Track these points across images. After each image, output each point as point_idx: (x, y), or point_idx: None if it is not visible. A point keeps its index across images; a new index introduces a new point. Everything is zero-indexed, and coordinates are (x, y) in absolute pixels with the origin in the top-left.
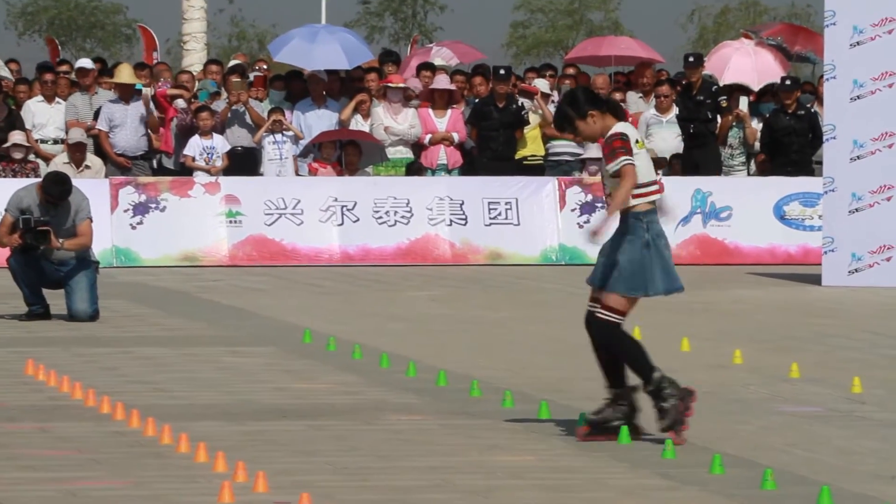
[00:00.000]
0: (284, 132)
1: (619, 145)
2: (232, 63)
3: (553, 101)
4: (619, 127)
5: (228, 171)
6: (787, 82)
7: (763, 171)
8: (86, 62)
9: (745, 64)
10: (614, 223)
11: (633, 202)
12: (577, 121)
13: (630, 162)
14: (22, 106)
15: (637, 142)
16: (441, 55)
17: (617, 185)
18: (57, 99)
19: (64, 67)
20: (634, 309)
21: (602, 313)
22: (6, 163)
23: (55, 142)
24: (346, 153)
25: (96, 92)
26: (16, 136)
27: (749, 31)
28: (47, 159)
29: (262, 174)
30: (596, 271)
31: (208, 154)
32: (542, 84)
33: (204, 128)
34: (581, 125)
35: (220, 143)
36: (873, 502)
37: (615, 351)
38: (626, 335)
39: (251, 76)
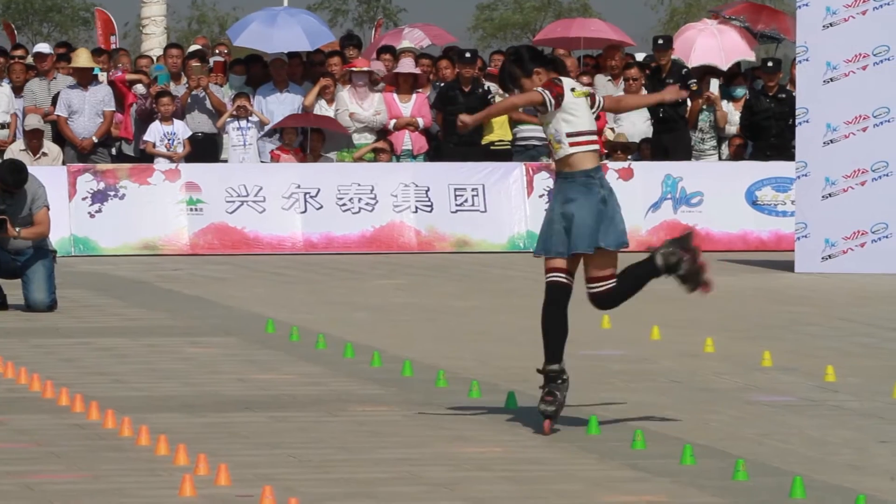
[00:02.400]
0: (249, 118)
1: (547, 85)
2: (192, 48)
3: None
4: (564, 79)
5: (189, 157)
6: (770, 64)
7: (738, 155)
8: (43, 47)
9: (710, 44)
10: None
11: (570, 150)
12: (522, 79)
13: (542, 93)
14: None
15: (573, 90)
16: (412, 37)
17: (558, 134)
18: (1, 83)
19: (19, 52)
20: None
21: (559, 277)
22: None
23: (1, 126)
24: (311, 139)
25: (55, 77)
26: None
27: (713, 10)
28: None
29: (223, 160)
30: (577, 239)
31: (169, 140)
32: None
33: (165, 113)
34: (526, 83)
35: (181, 129)
36: (847, 493)
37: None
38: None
39: (212, 61)
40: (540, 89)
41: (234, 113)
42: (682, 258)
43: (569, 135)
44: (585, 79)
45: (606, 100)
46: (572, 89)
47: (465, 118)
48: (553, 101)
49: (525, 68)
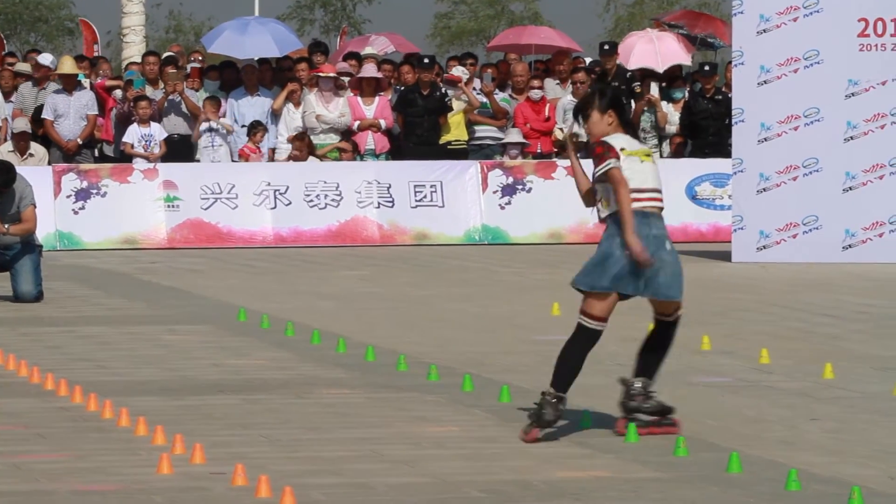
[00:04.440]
0: (214, 124)
1: (599, 151)
2: (166, 54)
3: (475, 89)
4: (610, 137)
5: (166, 157)
6: (706, 68)
7: (678, 153)
8: (46, 58)
9: (647, 49)
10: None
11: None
12: (594, 111)
13: (615, 166)
14: None
15: (622, 149)
16: (377, 44)
17: (607, 191)
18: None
19: (9, 59)
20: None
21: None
22: None
23: None
24: (294, 147)
25: (44, 87)
26: None
27: (654, 18)
28: None
29: (197, 160)
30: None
31: (146, 141)
32: (458, 71)
33: (142, 116)
34: (594, 115)
35: (158, 131)
36: (780, 467)
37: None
38: (588, 343)
39: (188, 67)
40: (610, 163)
41: (207, 119)
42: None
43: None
44: (536, 82)
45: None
46: (622, 148)
47: (638, 252)
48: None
49: (601, 104)
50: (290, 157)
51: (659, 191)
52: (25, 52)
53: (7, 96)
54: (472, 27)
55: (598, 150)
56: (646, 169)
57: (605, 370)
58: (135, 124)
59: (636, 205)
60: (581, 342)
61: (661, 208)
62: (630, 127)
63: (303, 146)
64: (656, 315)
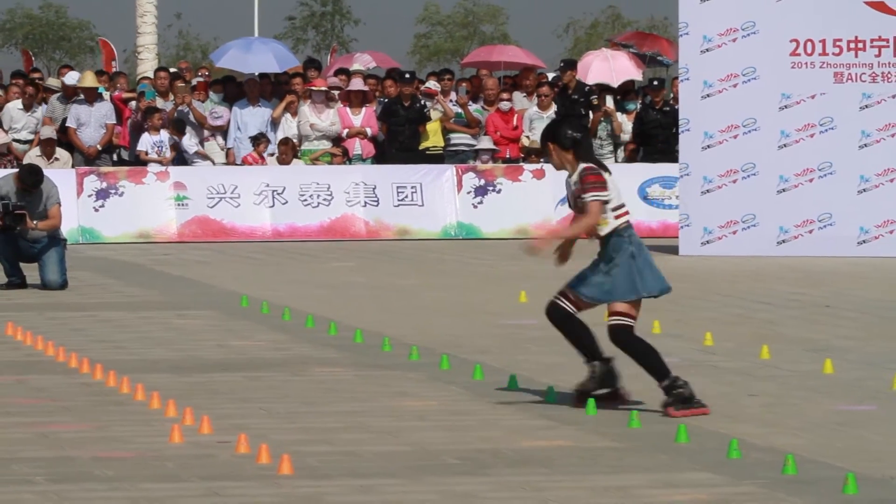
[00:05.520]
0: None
1: (592, 180)
2: (173, 70)
3: (451, 100)
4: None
5: (175, 161)
6: (655, 83)
7: (632, 158)
8: (73, 77)
9: (602, 67)
10: (554, 244)
11: (613, 224)
12: (550, 144)
13: (597, 198)
14: (2, 108)
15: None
16: (362, 60)
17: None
18: (33, 108)
19: (37, 75)
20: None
21: (614, 319)
22: None
23: (26, 143)
24: (280, 151)
25: (72, 102)
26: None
27: (609, 38)
28: (19, 158)
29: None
30: (595, 289)
31: (158, 147)
32: (433, 84)
33: (154, 125)
34: (554, 148)
35: (166, 138)
36: (722, 438)
37: (630, 352)
38: (638, 338)
39: (194, 81)
40: (593, 196)
41: (210, 127)
42: (684, 390)
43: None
44: (505, 95)
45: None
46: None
47: (536, 245)
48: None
49: (565, 144)
50: (277, 160)
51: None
52: (59, 68)
53: (28, 108)
54: (447, 46)
55: (591, 178)
56: (618, 187)
57: (565, 351)
58: (146, 133)
59: (623, 218)
60: (632, 339)
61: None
62: (588, 151)
63: (287, 150)
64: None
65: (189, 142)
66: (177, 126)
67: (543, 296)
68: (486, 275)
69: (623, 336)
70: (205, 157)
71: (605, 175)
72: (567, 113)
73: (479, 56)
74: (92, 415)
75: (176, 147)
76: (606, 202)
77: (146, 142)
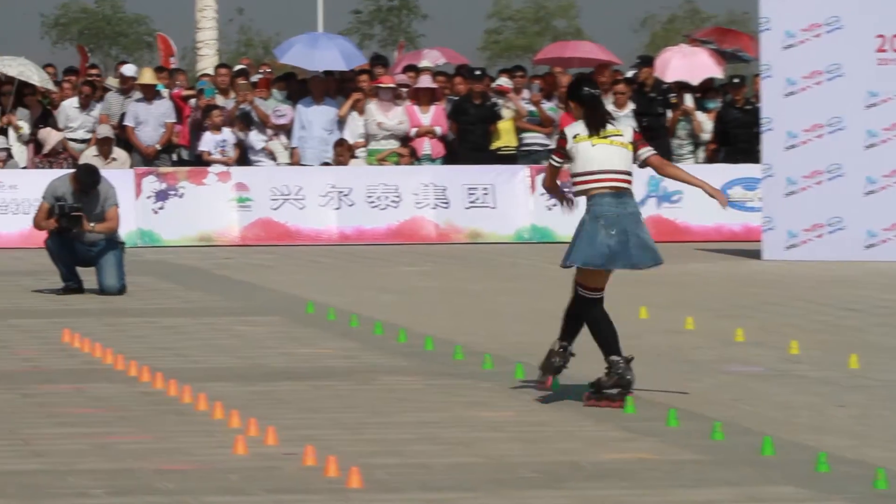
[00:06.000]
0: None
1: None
2: (237, 67)
3: (523, 98)
4: (572, 126)
5: (237, 161)
6: (736, 80)
7: (713, 159)
8: (128, 69)
9: (682, 64)
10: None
11: (576, 188)
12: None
13: (550, 161)
14: (57, 106)
15: (575, 136)
16: (430, 57)
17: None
18: (90, 106)
19: (94, 71)
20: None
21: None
22: (42, 156)
23: (83, 142)
24: (336, 153)
25: (129, 96)
26: (52, 137)
27: (686, 34)
28: (75, 157)
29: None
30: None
31: (221, 147)
32: (504, 82)
33: (215, 124)
34: (571, 105)
35: (230, 137)
36: (809, 451)
37: (583, 321)
38: (593, 310)
39: (254, 77)
40: (551, 158)
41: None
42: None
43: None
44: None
45: (653, 158)
46: (575, 136)
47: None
48: (559, 160)
49: (569, 96)
50: (333, 162)
51: (618, 171)
52: (115, 65)
53: (84, 106)
54: (519, 42)
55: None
56: (599, 152)
57: (646, 360)
58: (208, 132)
59: (593, 185)
60: (586, 310)
61: (615, 187)
62: (595, 113)
63: (343, 150)
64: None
65: (256, 137)
66: (244, 120)
67: (621, 303)
68: (561, 280)
69: (572, 303)
70: (271, 154)
71: (567, 139)
72: (644, 112)
73: (552, 52)
74: (152, 425)
75: (241, 146)
76: (556, 167)
77: (209, 141)
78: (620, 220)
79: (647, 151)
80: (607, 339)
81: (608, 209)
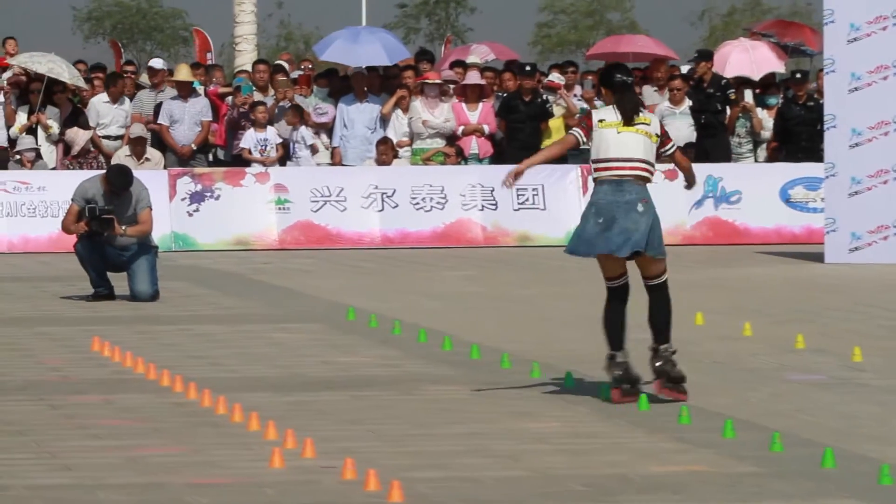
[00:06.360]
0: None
1: (581, 121)
2: (276, 62)
3: (575, 95)
4: (598, 111)
5: (279, 162)
6: (798, 75)
7: (773, 157)
8: (157, 62)
9: (742, 58)
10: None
11: (593, 174)
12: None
13: (572, 133)
14: (87, 104)
15: (600, 121)
16: (479, 52)
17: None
18: (120, 101)
19: (130, 68)
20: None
21: None
22: (72, 157)
23: (116, 139)
24: (379, 151)
25: (163, 90)
26: (80, 137)
27: (746, 27)
28: (108, 155)
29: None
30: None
31: (262, 146)
32: (556, 78)
33: (260, 121)
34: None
35: (273, 136)
36: (872, 463)
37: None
38: (606, 301)
39: (294, 74)
40: (574, 131)
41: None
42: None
43: (592, 161)
44: (635, 89)
45: (676, 153)
46: (600, 120)
47: (518, 168)
48: (584, 138)
49: (600, 84)
50: (376, 161)
51: (631, 160)
52: (147, 64)
53: (115, 99)
54: (572, 37)
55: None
56: (620, 140)
57: (702, 368)
58: (251, 130)
59: (603, 174)
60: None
61: (637, 176)
62: (626, 100)
63: (387, 150)
64: (644, 281)
65: (306, 131)
66: (296, 111)
67: (676, 309)
68: None
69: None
70: (315, 150)
71: (593, 121)
72: (701, 108)
73: (606, 47)
74: (185, 437)
75: (285, 145)
76: (576, 142)
77: (250, 139)
78: (611, 208)
79: (672, 147)
80: (609, 334)
81: (603, 197)
